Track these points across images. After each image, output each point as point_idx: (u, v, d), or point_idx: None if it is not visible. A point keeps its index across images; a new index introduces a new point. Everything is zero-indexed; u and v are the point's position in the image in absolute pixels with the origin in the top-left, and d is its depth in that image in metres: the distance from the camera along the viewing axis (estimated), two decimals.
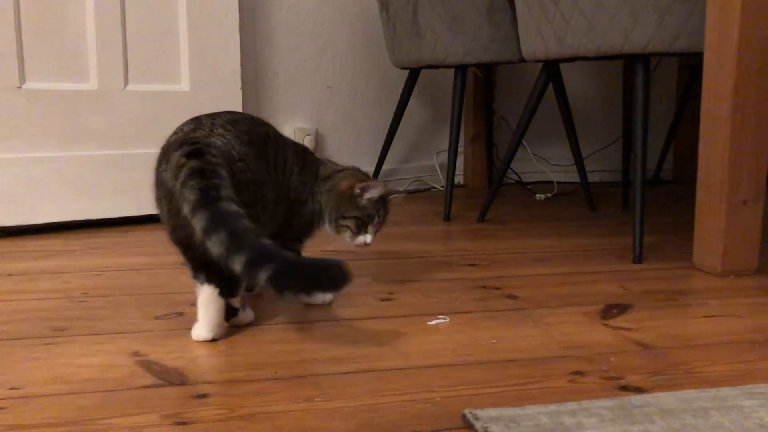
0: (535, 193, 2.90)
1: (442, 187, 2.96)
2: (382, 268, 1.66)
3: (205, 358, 1.09)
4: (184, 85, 2.28)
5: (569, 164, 3.08)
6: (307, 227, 1.36)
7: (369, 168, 2.50)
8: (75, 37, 2.09)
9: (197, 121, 1.14)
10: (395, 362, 1.07)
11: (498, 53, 2.38)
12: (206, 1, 2.27)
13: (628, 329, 1.22)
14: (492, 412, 0.87)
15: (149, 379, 0.99)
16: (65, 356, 1.08)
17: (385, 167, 2.80)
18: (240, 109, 2.36)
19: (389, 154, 2.79)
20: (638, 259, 1.73)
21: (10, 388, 0.96)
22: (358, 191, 1.33)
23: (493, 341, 1.16)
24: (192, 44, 2.27)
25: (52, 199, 2.05)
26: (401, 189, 2.92)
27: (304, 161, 1.33)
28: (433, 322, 1.25)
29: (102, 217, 2.11)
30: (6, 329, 1.19)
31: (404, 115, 2.73)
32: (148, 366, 1.04)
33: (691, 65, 3.11)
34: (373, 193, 1.34)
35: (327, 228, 1.36)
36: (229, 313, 1.19)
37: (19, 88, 2.01)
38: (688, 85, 3.09)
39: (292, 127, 2.72)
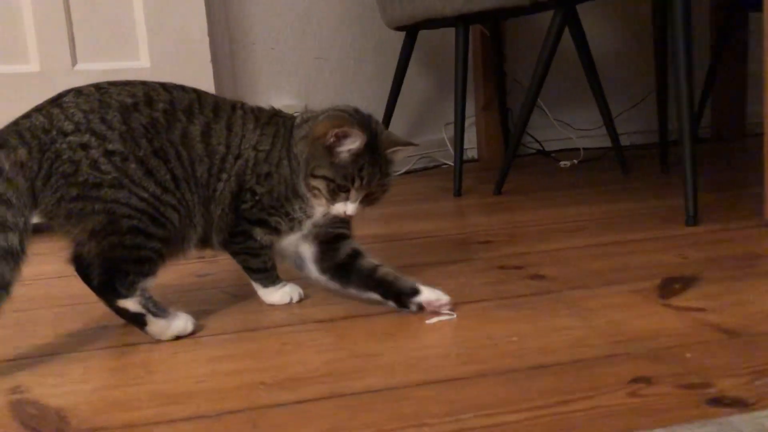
0: (559, 161, 2.55)
1: (454, 165, 2.63)
2: (376, 252, 1.32)
3: (107, 391, 0.78)
4: (144, 61, 1.98)
5: (595, 127, 2.72)
6: (282, 200, 1.00)
7: None
8: (9, 15, 1.79)
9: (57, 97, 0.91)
10: (372, 381, 0.74)
11: None
12: None
13: (700, 310, 0.89)
14: None
15: (10, 430, 0.68)
16: None
17: None
18: (212, 85, 2.05)
19: (391, 128, 2.45)
20: (693, 220, 1.39)
21: None
22: (331, 139, 0.94)
23: (514, 339, 0.83)
24: (150, 14, 1.96)
25: None
26: (405, 168, 2.59)
27: (268, 126, 1.01)
28: (434, 320, 0.92)
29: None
30: None
31: (406, 85, 2.40)
32: (20, 408, 0.73)
33: (728, 3, 2.73)
34: (351, 144, 0.95)
35: (299, 188, 0.99)
36: (136, 321, 0.90)
37: None
38: (725, 29, 2.71)
39: (278, 105, 2.40)
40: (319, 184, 0.97)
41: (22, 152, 0.86)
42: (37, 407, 0.73)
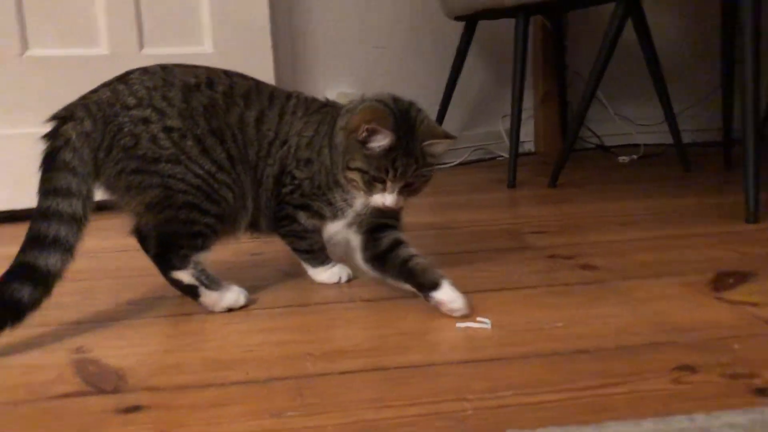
0: (618, 156, 2.51)
1: (509, 156, 2.61)
2: (425, 239, 1.34)
3: (162, 355, 0.82)
4: (207, 47, 2.02)
5: (657, 123, 2.67)
6: (323, 188, 1.00)
7: None
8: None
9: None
10: (415, 357, 0.76)
11: None
12: None
13: (753, 304, 0.87)
14: None
15: (73, 385, 0.72)
16: None
17: None
18: (271, 72, 2.09)
19: (447, 120, 2.45)
20: (753, 218, 1.35)
21: None
22: (363, 134, 0.92)
23: (559, 324, 0.83)
24: (214, 0, 2.01)
25: None
26: (459, 159, 2.59)
27: (316, 114, 1.02)
28: (464, 326, 0.85)
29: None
30: None
31: (464, 76, 2.40)
32: (82, 366, 0.77)
33: None
34: (381, 140, 0.92)
35: (342, 181, 0.99)
36: (189, 292, 0.94)
37: (21, 55, 1.81)
38: None
39: (335, 92, 2.43)
40: (355, 176, 0.96)
41: (87, 124, 0.90)
42: (98, 366, 0.77)
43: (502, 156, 2.68)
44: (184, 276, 0.93)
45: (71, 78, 1.84)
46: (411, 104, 0.99)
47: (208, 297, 0.94)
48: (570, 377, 0.69)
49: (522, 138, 2.85)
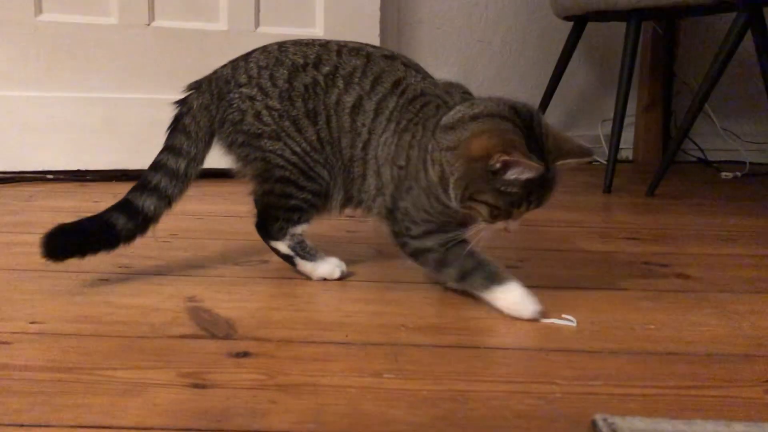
0: (721, 172, 2.43)
1: (607, 161, 2.57)
2: (518, 234, 1.35)
3: (267, 311, 0.87)
4: (318, 29, 2.10)
5: (766, 141, 2.57)
6: (432, 212, 0.90)
7: None
8: None
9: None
10: (507, 340, 0.79)
11: None
12: None
13: None
14: (639, 422, 0.57)
15: (189, 328, 0.79)
16: (113, 294, 0.91)
17: None
18: None
19: (546, 119, 2.44)
20: None
21: (31, 322, 0.80)
22: (497, 165, 0.80)
23: (651, 327, 0.84)
24: None
25: None
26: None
27: (405, 132, 0.91)
28: (549, 321, 0.85)
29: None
30: (71, 261, 1.04)
31: (566, 76, 2.38)
32: (196, 313, 0.84)
33: None
34: (522, 173, 0.80)
35: (452, 203, 0.87)
36: (287, 260, 1.00)
37: (148, 25, 1.92)
38: None
39: None
40: (480, 208, 0.84)
41: (206, 96, 0.99)
42: (211, 315, 0.84)
43: (598, 161, 2.64)
44: (281, 246, 0.99)
45: (191, 50, 1.96)
46: (532, 113, 0.85)
47: (303, 266, 1.00)
48: (659, 375, 0.70)
49: (622, 144, 2.80)
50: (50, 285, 0.94)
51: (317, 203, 0.98)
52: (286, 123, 0.96)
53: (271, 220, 0.99)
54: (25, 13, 1.83)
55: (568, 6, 2.17)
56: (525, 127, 0.82)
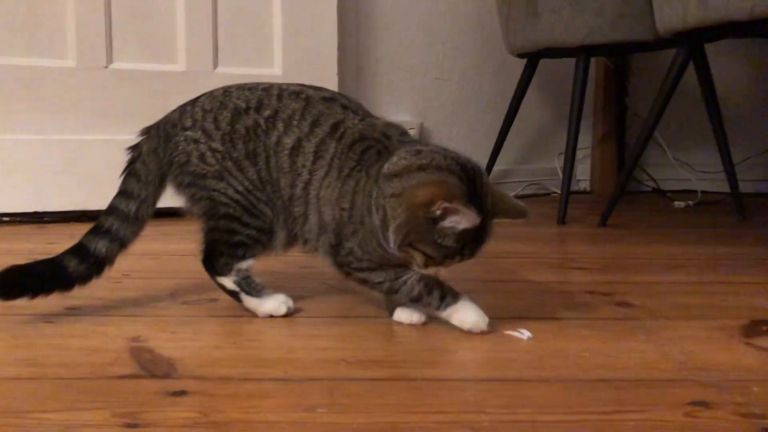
0: (674, 201, 2.50)
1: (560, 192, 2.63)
2: (468, 265, 1.38)
3: (210, 350, 0.89)
4: (277, 69, 2.14)
5: (718, 171, 2.64)
6: (374, 254, 0.94)
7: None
8: (164, 18, 2.01)
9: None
10: (442, 371, 0.81)
11: (628, 31, 2.04)
12: None
13: None
14: None
15: (129, 369, 0.80)
16: (57, 336, 0.92)
17: (497, 168, 2.53)
18: None
19: (504, 153, 2.51)
20: None
21: None
22: (438, 212, 0.85)
23: (585, 354, 0.87)
24: (286, 26, 2.13)
25: None
26: (513, 193, 2.62)
27: (348, 179, 0.94)
28: (510, 332, 0.93)
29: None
30: (17, 303, 1.05)
31: (523, 111, 2.45)
32: (138, 353, 0.85)
33: None
34: (460, 222, 0.85)
35: (390, 248, 0.91)
36: (232, 296, 1.02)
37: (106, 67, 1.95)
38: None
39: (395, 120, 2.51)
40: (416, 255, 0.89)
41: (154, 140, 1.03)
42: (153, 354, 0.84)
43: (556, 192, 2.70)
44: (227, 282, 1.01)
45: (150, 91, 1.98)
46: (476, 170, 0.90)
47: (249, 302, 1.01)
48: (587, 402, 0.72)
49: (579, 176, 2.88)
50: None
51: (261, 239, 1.00)
52: (229, 163, 0.98)
53: (216, 256, 1.01)
54: None
55: (520, 44, 2.24)
56: (469, 182, 0.88)
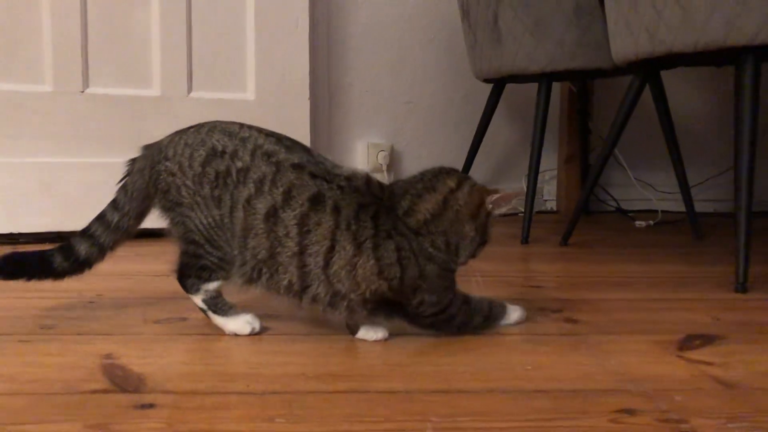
0: (636, 221, 2.59)
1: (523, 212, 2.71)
2: None
3: (178, 365, 0.94)
4: (250, 94, 2.20)
5: (678, 191, 2.74)
6: (448, 282, 1.07)
7: None
8: (139, 43, 2.07)
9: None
10: (395, 384, 0.87)
11: (587, 60, 2.13)
12: (275, 8, 2.20)
13: (709, 363, 0.96)
14: None
15: (101, 384, 0.85)
16: (32, 354, 0.97)
17: None
18: (307, 120, 2.25)
19: (472, 174, 2.54)
20: (742, 287, 1.44)
21: None
22: (490, 206, 1.05)
23: (528, 368, 0.94)
24: (259, 52, 2.20)
25: None
26: None
27: (379, 232, 0.99)
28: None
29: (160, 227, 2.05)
30: None
31: (491, 134, 2.53)
32: (110, 370, 0.90)
33: None
34: (504, 207, 1.07)
35: (461, 261, 1.07)
36: (204, 313, 1.09)
37: (82, 92, 2.00)
38: None
39: (366, 142, 2.59)
40: (479, 249, 1.09)
41: (141, 163, 1.11)
42: (124, 371, 0.90)
43: (523, 212, 2.79)
44: (197, 300, 1.08)
45: (125, 115, 2.03)
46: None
47: (216, 320, 1.08)
48: (525, 411, 0.79)
49: (545, 196, 2.97)
50: None
51: (224, 267, 1.05)
52: (198, 198, 1.04)
53: (186, 276, 1.07)
54: None
55: (486, 70, 2.33)
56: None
